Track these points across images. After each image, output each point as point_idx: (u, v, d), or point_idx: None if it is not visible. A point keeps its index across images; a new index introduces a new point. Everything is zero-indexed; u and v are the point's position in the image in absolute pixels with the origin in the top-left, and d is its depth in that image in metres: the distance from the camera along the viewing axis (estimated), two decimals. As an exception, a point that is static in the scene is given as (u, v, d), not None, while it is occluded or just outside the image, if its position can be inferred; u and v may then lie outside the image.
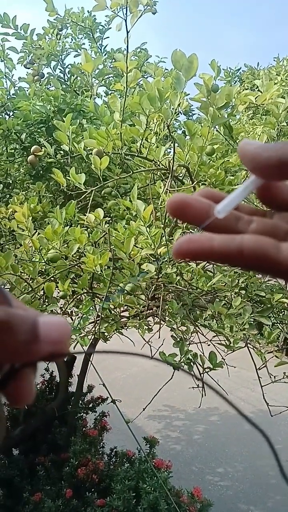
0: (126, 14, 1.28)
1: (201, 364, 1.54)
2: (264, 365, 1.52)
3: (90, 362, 1.91)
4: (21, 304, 0.24)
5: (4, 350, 0.20)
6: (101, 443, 2.56)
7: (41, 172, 1.95)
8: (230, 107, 1.38)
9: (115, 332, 1.59)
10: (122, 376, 5.19)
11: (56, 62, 2.54)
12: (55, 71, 2.55)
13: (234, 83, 5.78)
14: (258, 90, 1.56)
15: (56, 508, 1.92)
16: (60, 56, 2.53)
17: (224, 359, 1.48)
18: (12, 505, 2.04)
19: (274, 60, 5.43)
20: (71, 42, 2.61)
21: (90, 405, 2.81)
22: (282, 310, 1.89)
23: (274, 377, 1.49)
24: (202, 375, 1.60)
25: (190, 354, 1.50)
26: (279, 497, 3.16)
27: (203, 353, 1.56)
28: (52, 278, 1.40)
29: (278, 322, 1.87)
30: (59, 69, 2.56)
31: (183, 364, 1.49)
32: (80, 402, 2.77)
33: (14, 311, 0.21)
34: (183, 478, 3.21)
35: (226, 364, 1.48)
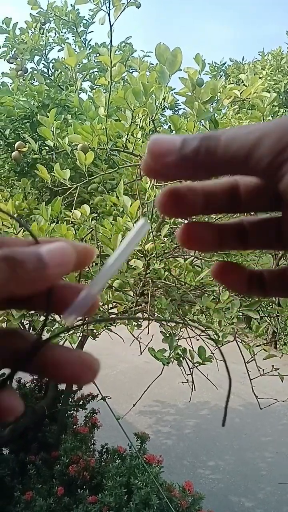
0: (109, 7, 1.27)
1: (190, 359, 1.54)
2: (252, 359, 1.53)
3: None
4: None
5: (19, 282, 0.22)
6: (92, 440, 2.55)
7: (26, 168, 1.93)
8: (215, 101, 1.37)
9: (103, 329, 1.59)
10: (112, 373, 5.19)
11: (39, 57, 2.50)
12: (38, 66, 2.51)
13: (220, 77, 5.78)
14: (244, 84, 1.56)
15: (48, 506, 1.91)
16: (44, 51, 2.50)
17: (213, 354, 1.49)
18: (3, 504, 2.03)
19: (259, 54, 5.46)
20: (54, 37, 2.58)
21: (80, 403, 2.80)
22: (270, 304, 1.91)
23: (263, 370, 1.51)
24: (191, 370, 1.61)
25: (180, 349, 1.50)
26: (269, 488, 3.20)
27: (192, 348, 1.56)
28: (39, 276, 1.38)
29: (266, 315, 1.88)
30: (43, 64, 2.53)
31: (172, 359, 1.49)
32: (70, 399, 2.76)
33: (15, 249, 0.22)
34: (174, 472, 3.23)
35: (215, 358, 1.48)
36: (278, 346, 5.71)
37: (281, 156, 0.22)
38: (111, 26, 1.22)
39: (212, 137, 0.23)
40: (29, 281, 0.22)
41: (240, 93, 1.35)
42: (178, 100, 2.70)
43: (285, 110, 5.16)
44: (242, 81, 1.53)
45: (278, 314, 1.76)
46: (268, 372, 1.47)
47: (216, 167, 0.24)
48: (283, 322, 1.80)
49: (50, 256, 0.22)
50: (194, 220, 0.29)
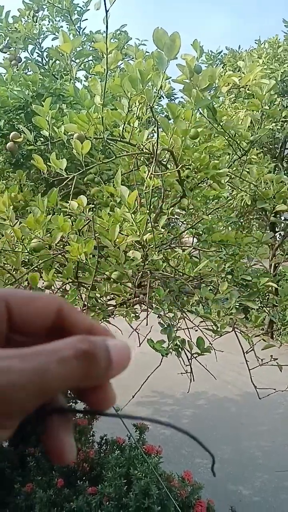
0: (104, -7, 1.23)
1: (189, 349, 1.54)
2: (251, 349, 1.53)
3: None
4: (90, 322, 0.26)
5: (91, 377, 0.22)
6: (91, 432, 2.56)
7: (22, 160, 1.90)
8: (213, 88, 1.35)
9: (102, 321, 1.58)
10: (110, 364, 5.20)
11: (33, 46, 2.46)
12: (32, 55, 2.47)
13: (216, 66, 5.71)
14: (242, 72, 1.53)
15: (48, 498, 1.92)
16: (38, 40, 2.45)
17: (211, 344, 1.48)
18: (4, 496, 2.04)
19: (255, 42, 5.40)
20: (48, 25, 2.53)
21: (79, 394, 2.81)
22: (268, 294, 1.90)
23: (262, 360, 1.50)
24: (190, 360, 1.60)
25: (178, 340, 1.50)
26: (267, 476, 3.23)
27: (190, 339, 1.55)
28: (36, 268, 1.37)
29: (264, 305, 1.88)
30: (37, 52, 2.48)
31: (171, 350, 1.49)
32: (69, 391, 2.76)
33: (94, 339, 0.22)
34: (173, 462, 3.25)
35: (214, 349, 1.48)
36: (274, 336, 5.74)
37: None
38: (106, 11, 1.19)
39: None
40: (94, 377, 0.22)
41: (239, 80, 1.32)
42: (175, 89, 2.67)
43: (282, 99, 5.13)
44: (239, 70, 1.50)
45: (276, 304, 1.76)
46: (267, 362, 1.47)
47: None
48: (281, 312, 1.80)
49: (116, 355, 0.23)
50: None
